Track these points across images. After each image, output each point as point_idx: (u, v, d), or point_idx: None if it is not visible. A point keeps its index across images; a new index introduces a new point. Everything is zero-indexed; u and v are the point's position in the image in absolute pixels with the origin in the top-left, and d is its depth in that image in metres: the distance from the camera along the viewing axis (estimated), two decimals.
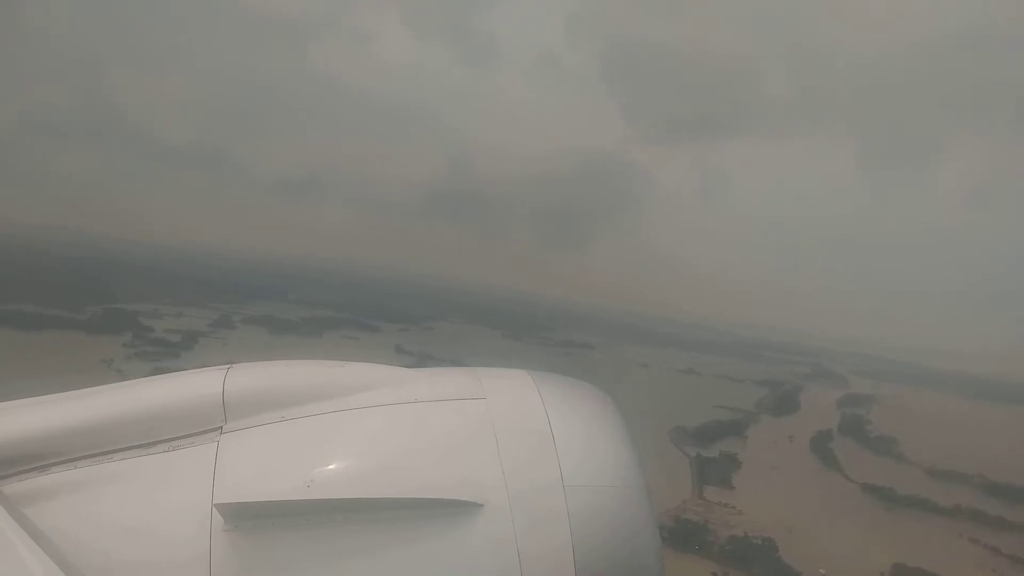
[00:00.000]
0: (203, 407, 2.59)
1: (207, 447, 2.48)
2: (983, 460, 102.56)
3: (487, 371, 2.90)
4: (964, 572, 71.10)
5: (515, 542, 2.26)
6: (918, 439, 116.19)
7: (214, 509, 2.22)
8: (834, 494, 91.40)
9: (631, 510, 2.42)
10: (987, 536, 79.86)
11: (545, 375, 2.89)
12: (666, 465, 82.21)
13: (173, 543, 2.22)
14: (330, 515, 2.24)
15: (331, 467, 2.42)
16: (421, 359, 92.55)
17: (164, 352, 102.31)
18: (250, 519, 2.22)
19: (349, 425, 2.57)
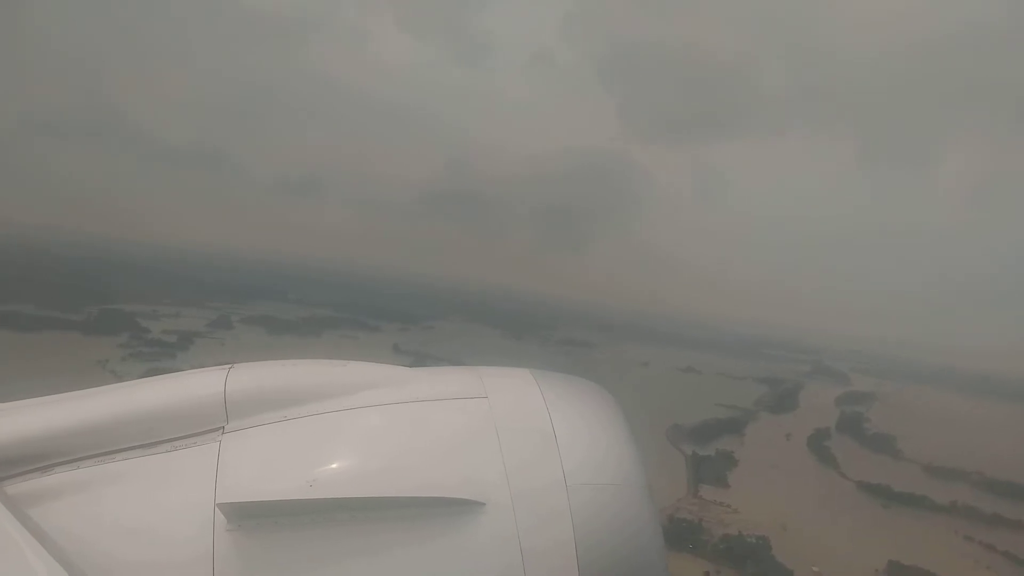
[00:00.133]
0: (205, 407, 2.58)
1: (209, 447, 2.47)
2: (982, 457, 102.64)
3: (489, 370, 2.89)
4: (959, 569, 71.22)
5: (518, 540, 2.24)
6: (917, 436, 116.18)
7: (217, 509, 2.21)
8: (830, 492, 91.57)
9: (634, 508, 2.41)
10: (982, 533, 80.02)
11: (547, 373, 2.87)
12: (662, 463, 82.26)
13: (176, 543, 2.20)
14: (333, 514, 2.23)
15: (333, 466, 2.41)
16: (421, 359, 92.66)
17: (160, 353, 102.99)
18: (253, 519, 2.20)
19: (351, 424, 2.56)
